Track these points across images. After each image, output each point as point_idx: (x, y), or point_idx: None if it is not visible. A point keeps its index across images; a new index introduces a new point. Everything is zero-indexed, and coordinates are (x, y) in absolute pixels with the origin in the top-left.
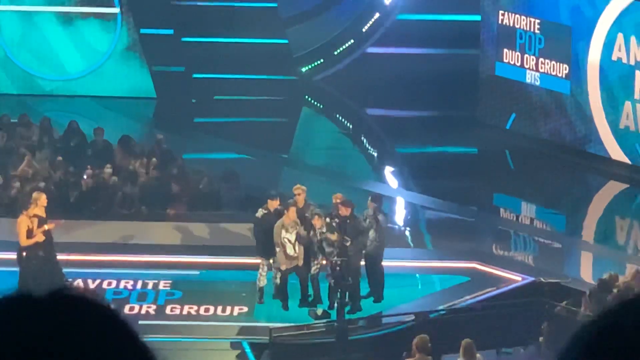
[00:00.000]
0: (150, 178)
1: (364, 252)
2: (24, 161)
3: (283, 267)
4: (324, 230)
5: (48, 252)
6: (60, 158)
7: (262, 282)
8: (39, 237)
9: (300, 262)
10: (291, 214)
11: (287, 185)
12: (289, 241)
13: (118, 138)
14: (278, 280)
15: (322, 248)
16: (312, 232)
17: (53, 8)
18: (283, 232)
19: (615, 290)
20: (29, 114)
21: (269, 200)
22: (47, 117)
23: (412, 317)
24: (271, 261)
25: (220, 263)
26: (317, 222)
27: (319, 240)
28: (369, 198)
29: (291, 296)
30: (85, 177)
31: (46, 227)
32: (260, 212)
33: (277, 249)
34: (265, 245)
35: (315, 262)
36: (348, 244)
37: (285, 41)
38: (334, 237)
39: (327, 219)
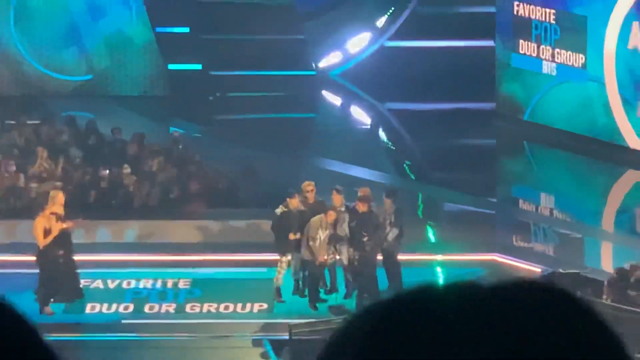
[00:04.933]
0: (168, 176)
1: (380, 247)
2: (39, 161)
3: (313, 258)
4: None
5: (67, 253)
6: (78, 158)
7: (280, 281)
8: (55, 232)
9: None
10: (332, 214)
11: (305, 181)
12: (321, 238)
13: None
14: (300, 274)
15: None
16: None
17: None
18: (320, 230)
19: (632, 279)
20: (47, 114)
21: (288, 199)
22: (72, 115)
23: None
24: (289, 257)
25: (239, 260)
26: (331, 216)
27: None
28: (384, 193)
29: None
30: (102, 177)
31: (64, 225)
32: (280, 210)
33: (308, 241)
34: (284, 242)
35: (330, 252)
36: (365, 239)
37: (301, 37)
38: (345, 222)
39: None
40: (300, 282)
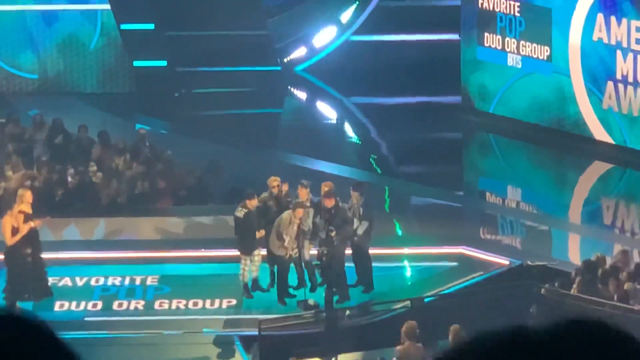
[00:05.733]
0: (135, 173)
1: (349, 241)
2: (11, 160)
3: (280, 253)
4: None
5: (35, 251)
6: (44, 158)
7: (246, 277)
8: (23, 231)
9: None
10: (300, 211)
11: (271, 176)
12: (292, 234)
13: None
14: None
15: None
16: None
17: (38, 7)
18: (291, 225)
19: (600, 271)
20: (11, 111)
21: (247, 201)
22: (39, 114)
23: (401, 304)
24: (256, 254)
25: (208, 256)
26: (299, 212)
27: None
28: (351, 187)
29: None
30: (69, 174)
31: (32, 223)
32: (241, 212)
33: (278, 237)
34: (247, 242)
35: (295, 245)
36: (333, 233)
37: (266, 32)
38: (309, 216)
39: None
40: (269, 278)
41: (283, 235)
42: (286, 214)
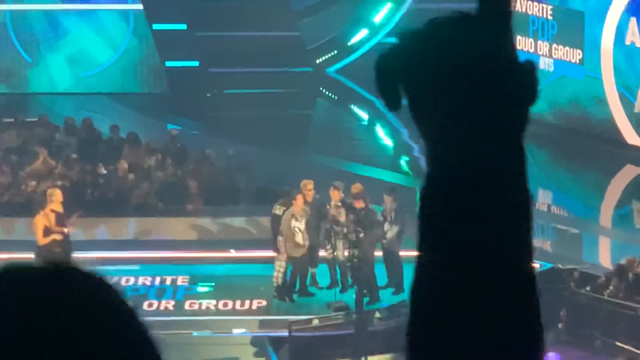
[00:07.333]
0: (166, 174)
1: (379, 243)
2: (39, 159)
3: (297, 255)
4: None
5: (65, 250)
6: (75, 156)
7: (279, 279)
8: (57, 236)
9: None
10: (299, 202)
11: (303, 178)
12: (299, 230)
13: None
14: (282, 270)
15: (331, 234)
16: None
17: (71, 6)
18: (293, 221)
19: (631, 275)
20: (44, 112)
21: (293, 200)
22: (71, 117)
23: None
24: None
25: (238, 257)
26: (297, 206)
27: (330, 226)
28: (385, 191)
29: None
30: (100, 174)
31: (66, 230)
32: (280, 209)
33: (280, 238)
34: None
35: (328, 248)
36: (361, 235)
37: (298, 33)
38: (342, 217)
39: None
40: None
41: (288, 234)
42: (286, 215)
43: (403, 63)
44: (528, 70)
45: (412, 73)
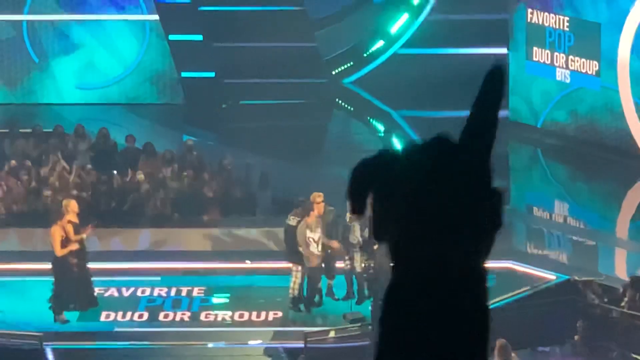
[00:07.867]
0: (182, 184)
1: None
2: (55, 170)
3: (313, 264)
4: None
5: (81, 261)
6: (89, 166)
7: (296, 290)
8: (74, 246)
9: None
10: (314, 213)
11: (319, 189)
12: (313, 240)
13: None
14: (299, 280)
15: (348, 246)
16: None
17: (88, 16)
18: (308, 232)
19: None
20: (60, 122)
21: (310, 211)
22: (81, 125)
23: None
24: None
25: (254, 268)
26: (311, 218)
27: (346, 237)
28: None
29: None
30: (115, 184)
31: (83, 235)
32: (293, 220)
33: (300, 248)
34: (297, 251)
35: (347, 257)
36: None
37: (314, 44)
38: (357, 229)
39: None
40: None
41: (304, 246)
42: (301, 226)
43: (379, 178)
44: (495, 202)
45: (384, 189)
